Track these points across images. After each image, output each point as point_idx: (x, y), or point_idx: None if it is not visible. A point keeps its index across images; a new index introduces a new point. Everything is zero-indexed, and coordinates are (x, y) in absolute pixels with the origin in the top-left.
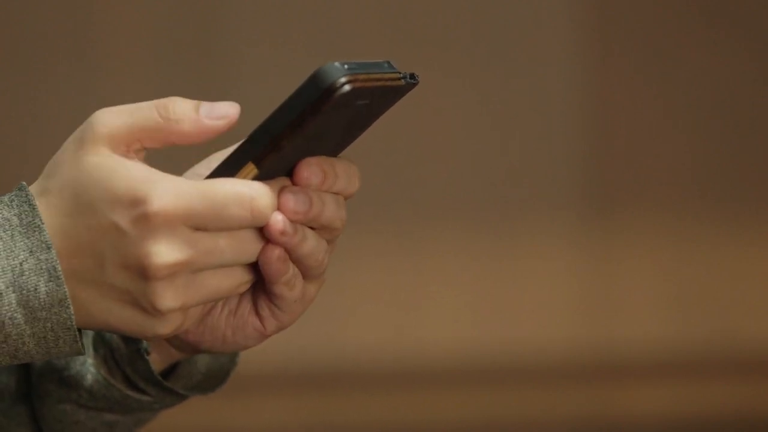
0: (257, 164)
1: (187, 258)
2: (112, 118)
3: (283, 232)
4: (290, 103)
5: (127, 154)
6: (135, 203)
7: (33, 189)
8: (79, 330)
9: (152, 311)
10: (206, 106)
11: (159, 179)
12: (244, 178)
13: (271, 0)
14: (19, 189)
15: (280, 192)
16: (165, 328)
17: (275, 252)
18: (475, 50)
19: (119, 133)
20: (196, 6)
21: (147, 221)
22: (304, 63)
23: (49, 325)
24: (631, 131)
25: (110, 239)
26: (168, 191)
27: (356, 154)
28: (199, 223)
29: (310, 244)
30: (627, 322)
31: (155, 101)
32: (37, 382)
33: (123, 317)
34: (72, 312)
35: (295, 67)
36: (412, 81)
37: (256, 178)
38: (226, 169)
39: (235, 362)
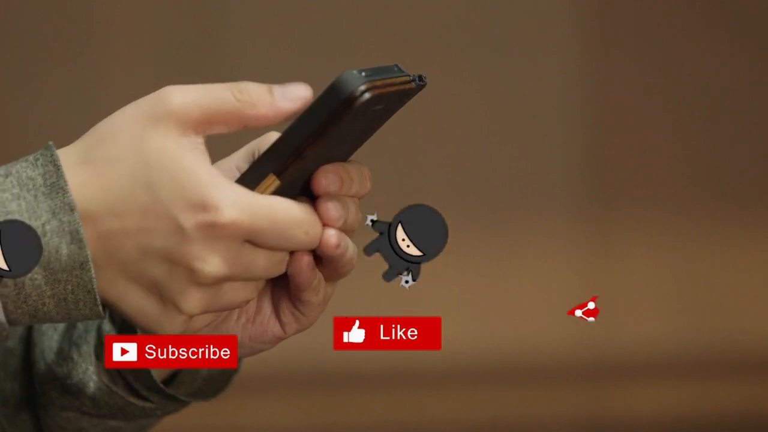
0: (279, 176)
1: (232, 272)
2: (185, 97)
3: (337, 246)
4: (310, 113)
5: (193, 137)
6: (204, 208)
7: (68, 154)
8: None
9: (172, 309)
10: (279, 89)
11: (228, 187)
12: (266, 189)
13: (271, 1)
14: (45, 148)
15: (320, 205)
16: (173, 327)
17: (305, 260)
18: (475, 50)
19: (192, 114)
20: (196, 6)
21: (212, 229)
22: (304, 63)
23: (69, 287)
24: (631, 131)
25: (164, 231)
26: (238, 204)
27: (355, 154)
28: (257, 240)
29: (351, 250)
30: (627, 321)
31: (228, 84)
32: (41, 390)
33: (137, 305)
34: (93, 275)
35: (295, 67)
36: (420, 83)
37: (278, 189)
38: (248, 182)
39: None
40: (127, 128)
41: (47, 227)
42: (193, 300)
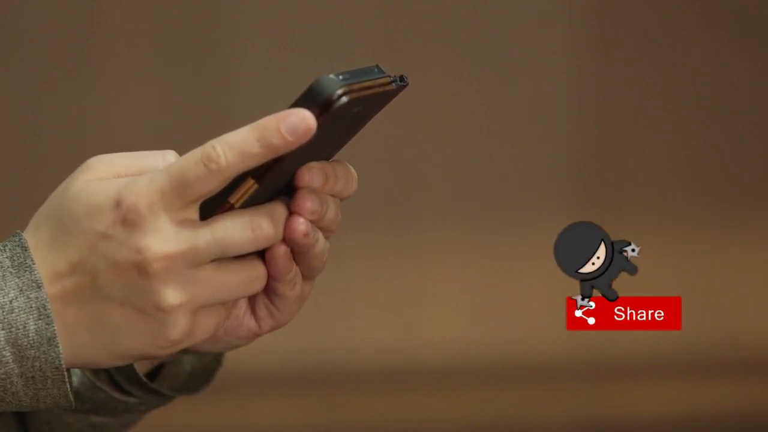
0: (257, 180)
1: (180, 249)
2: (104, 156)
3: (305, 234)
4: None
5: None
6: (115, 206)
7: (27, 230)
8: (68, 372)
9: (155, 312)
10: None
11: (130, 179)
12: (245, 193)
13: (270, 1)
14: (14, 235)
15: (296, 194)
16: (174, 331)
17: (281, 248)
18: (474, 50)
19: (113, 162)
20: (196, 6)
21: (126, 219)
22: (304, 64)
23: (37, 364)
24: (630, 131)
25: (100, 250)
26: (139, 184)
27: (356, 154)
28: (173, 203)
29: (321, 244)
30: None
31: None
32: None
33: (130, 330)
34: (60, 351)
35: (295, 68)
36: (402, 83)
37: (257, 192)
38: (226, 186)
39: (220, 362)
40: (53, 194)
41: (14, 303)
42: (164, 292)
